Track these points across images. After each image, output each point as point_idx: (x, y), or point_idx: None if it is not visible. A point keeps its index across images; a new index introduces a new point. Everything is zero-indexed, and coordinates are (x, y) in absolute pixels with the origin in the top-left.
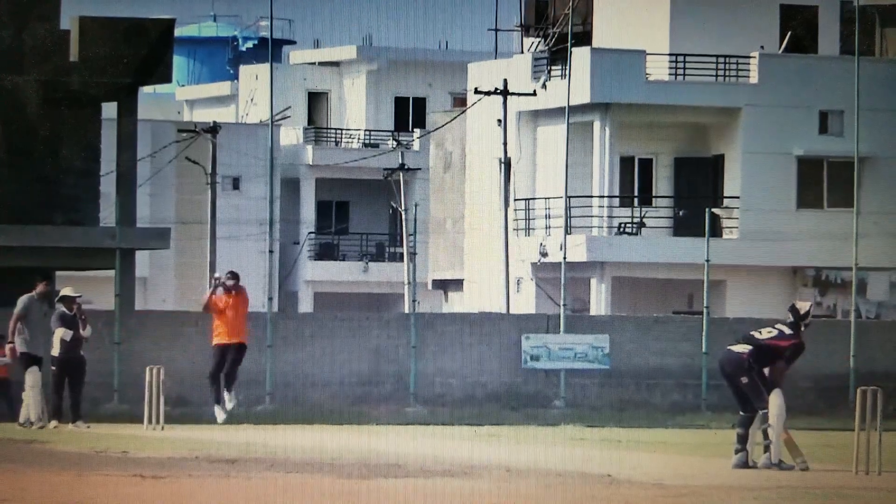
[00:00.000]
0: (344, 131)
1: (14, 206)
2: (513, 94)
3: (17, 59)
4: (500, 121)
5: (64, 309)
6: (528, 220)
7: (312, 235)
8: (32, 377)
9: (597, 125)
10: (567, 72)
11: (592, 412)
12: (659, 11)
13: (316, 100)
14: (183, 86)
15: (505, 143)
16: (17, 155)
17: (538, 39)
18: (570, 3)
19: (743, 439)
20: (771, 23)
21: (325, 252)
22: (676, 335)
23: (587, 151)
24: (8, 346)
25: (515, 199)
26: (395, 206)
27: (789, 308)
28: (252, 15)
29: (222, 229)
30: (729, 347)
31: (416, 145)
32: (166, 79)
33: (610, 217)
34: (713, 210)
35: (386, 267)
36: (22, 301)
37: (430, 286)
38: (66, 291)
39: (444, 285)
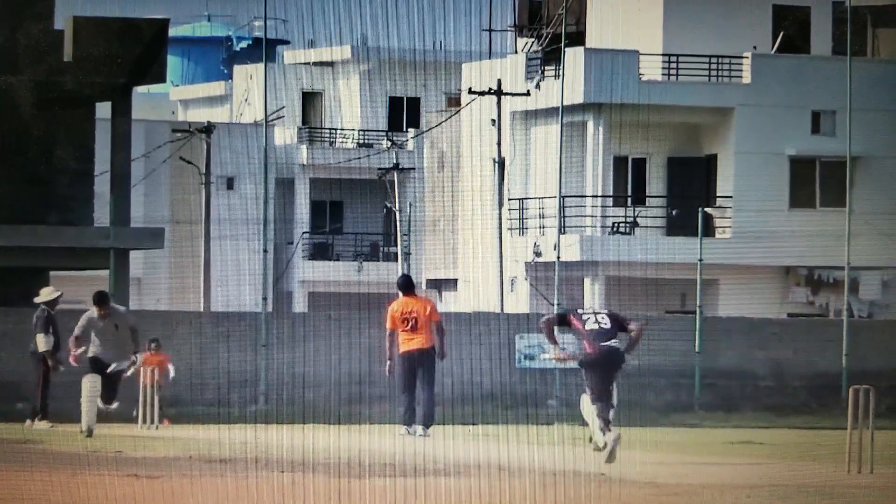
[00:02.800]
0: (338, 131)
1: (8, 206)
2: (506, 94)
3: (11, 59)
4: (493, 121)
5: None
6: (522, 219)
7: (306, 235)
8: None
9: (590, 125)
10: (560, 72)
11: None
12: (652, 12)
13: (310, 100)
14: (177, 86)
15: (499, 143)
16: (10, 155)
17: (532, 40)
18: (564, 4)
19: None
20: (763, 23)
21: (319, 252)
22: (669, 334)
23: (581, 151)
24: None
25: (509, 199)
26: (389, 205)
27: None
28: (246, 15)
29: (216, 229)
30: (607, 343)
31: (410, 145)
32: (160, 79)
33: (603, 217)
34: (706, 210)
35: (380, 267)
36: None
37: (424, 286)
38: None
39: (439, 285)
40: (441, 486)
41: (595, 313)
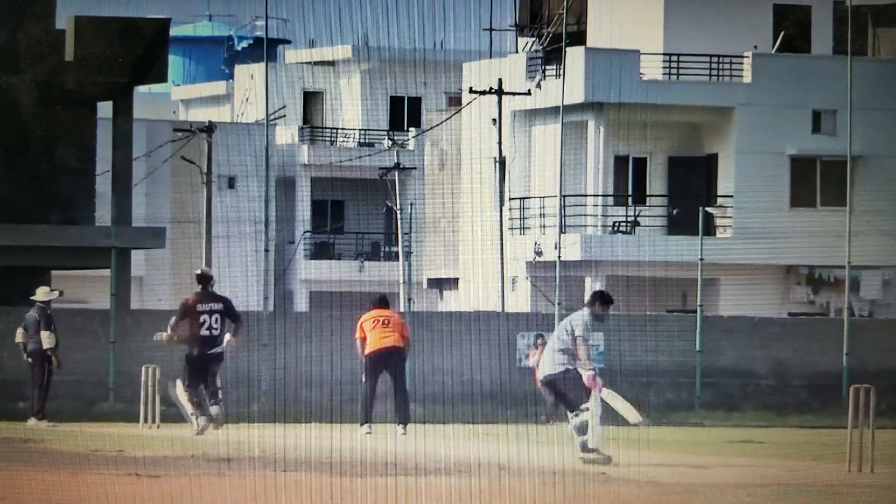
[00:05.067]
0: (339, 130)
1: (10, 205)
2: (507, 93)
3: (13, 59)
4: (494, 120)
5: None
6: (523, 218)
7: (308, 234)
8: None
9: (591, 124)
10: (561, 71)
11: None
12: (653, 11)
13: (311, 99)
14: (178, 85)
15: (500, 143)
16: (12, 154)
17: (533, 39)
18: (565, 3)
19: None
20: (764, 22)
21: (320, 251)
22: (670, 333)
23: (581, 150)
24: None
25: (510, 198)
26: (390, 205)
27: None
28: (247, 14)
29: (218, 228)
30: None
31: (411, 144)
32: (162, 78)
33: (604, 216)
34: (707, 209)
35: (381, 266)
36: None
37: (425, 285)
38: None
39: (440, 284)
40: (442, 484)
41: (211, 312)
